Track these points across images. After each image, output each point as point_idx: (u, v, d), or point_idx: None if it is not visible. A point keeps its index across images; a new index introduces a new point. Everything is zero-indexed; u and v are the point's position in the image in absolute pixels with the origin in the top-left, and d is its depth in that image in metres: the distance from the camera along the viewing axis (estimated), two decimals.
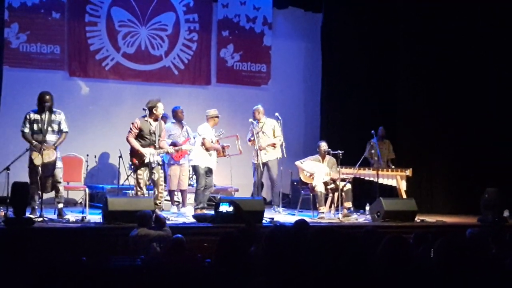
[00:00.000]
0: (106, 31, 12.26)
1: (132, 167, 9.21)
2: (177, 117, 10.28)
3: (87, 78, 12.17)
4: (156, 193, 9.12)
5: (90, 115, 11.97)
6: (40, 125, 8.67)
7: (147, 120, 9.13)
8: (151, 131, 9.10)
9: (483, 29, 12.48)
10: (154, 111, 9.14)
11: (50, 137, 8.73)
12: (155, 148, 9.09)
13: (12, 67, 11.43)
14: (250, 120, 10.63)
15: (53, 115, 8.77)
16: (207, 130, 9.95)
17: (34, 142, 8.59)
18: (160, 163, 9.29)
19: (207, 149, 9.87)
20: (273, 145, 10.68)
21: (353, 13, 12.84)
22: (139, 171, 9.03)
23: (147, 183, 9.08)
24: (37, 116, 8.71)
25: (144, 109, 9.23)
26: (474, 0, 12.50)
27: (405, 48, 12.88)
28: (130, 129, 9.11)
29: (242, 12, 13.23)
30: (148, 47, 12.56)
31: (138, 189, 9.06)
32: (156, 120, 9.19)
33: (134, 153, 9.04)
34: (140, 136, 9.08)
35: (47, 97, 8.74)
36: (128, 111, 11.91)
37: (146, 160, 8.94)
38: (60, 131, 8.84)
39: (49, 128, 8.71)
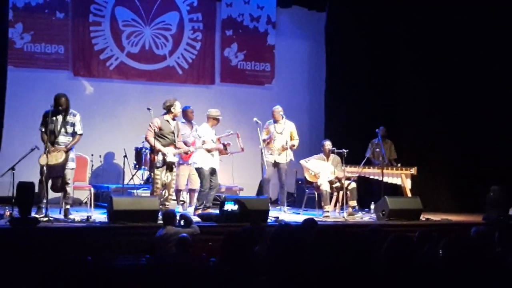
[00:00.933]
0: (110, 30, 12.27)
1: (150, 166, 9.16)
2: (187, 116, 10.28)
3: (91, 78, 12.19)
4: (166, 195, 9.11)
5: (95, 114, 11.97)
6: (53, 126, 8.65)
7: (166, 120, 9.13)
8: (170, 130, 9.10)
9: (483, 28, 12.46)
10: (173, 110, 9.14)
11: (63, 139, 8.70)
12: (175, 147, 9.09)
13: (17, 67, 11.44)
14: (255, 119, 10.61)
15: (68, 117, 8.74)
16: (206, 131, 9.86)
17: (48, 145, 8.54)
18: (175, 165, 9.27)
19: (209, 150, 9.84)
20: (292, 147, 10.67)
21: (356, 12, 12.83)
22: (157, 171, 8.99)
23: (164, 183, 9.06)
24: (52, 117, 8.67)
25: (148, 109, 9.23)
26: (474, 0, 12.48)
27: (407, 47, 12.88)
28: (149, 127, 9.07)
29: (246, 11, 13.23)
30: (152, 47, 12.57)
31: (155, 189, 9.02)
32: (173, 119, 9.19)
33: (154, 151, 9.02)
34: (160, 135, 9.06)
35: (62, 99, 8.72)
36: (132, 111, 11.94)
37: (168, 160, 8.93)
38: (74, 133, 8.82)
39: (62, 130, 8.68)
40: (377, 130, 11.08)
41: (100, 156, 11.67)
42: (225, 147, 10.03)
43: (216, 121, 9.81)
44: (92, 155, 10.88)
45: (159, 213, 8.52)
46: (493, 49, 12.51)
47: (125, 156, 9.79)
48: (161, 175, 8.99)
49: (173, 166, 9.15)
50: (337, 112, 12.81)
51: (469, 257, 3.55)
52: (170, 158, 9.00)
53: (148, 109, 9.28)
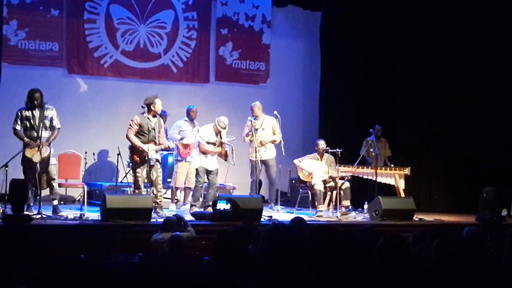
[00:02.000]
0: (105, 28, 12.26)
1: (131, 164, 9.21)
2: (190, 115, 10.34)
3: (86, 76, 12.16)
4: (155, 192, 9.10)
5: (89, 112, 11.95)
6: (32, 121, 8.66)
7: (146, 117, 9.13)
8: (151, 127, 9.09)
9: (481, 29, 12.46)
10: (152, 108, 9.13)
11: (44, 134, 8.68)
12: (155, 144, 9.09)
13: (11, 64, 11.42)
14: (249, 118, 10.63)
15: (45, 112, 8.76)
16: (204, 132, 9.95)
17: (26, 139, 8.58)
18: (160, 161, 9.28)
19: (204, 152, 9.89)
20: (274, 142, 10.72)
21: (352, 11, 12.83)
22: (137, 169, 9.00)
23: (145, 181, 9.06)
24: (28, 113, 8.69)
25: (142, 107, 9.23)
26: (472, 0, 12.49)
27: (404, 47, 12.89)
28: (130, 125, 9.08)
29: (241, 10, 13.23)
30: (147, 45, 12.56)
31: (136, 187, 9.04)
32: (154, 116, 9.19)
33: (134, 149, 9.03)
34: (140, 132, 9.07)
35: (37, 94, 8.72)
36: (126, 109, 11.90)
37: (148, 157, 8.94)
38: (52, 128, 8.81)
39: (41, 125, 8.68)
40: (371, 130, 11.08)
41: (93, 154, 11.63)
42: (226, 155, 10.04)
43: (218, 130, 9.89)
44: (86, 152, 10.85)
45: (152, 211, 8.52)
46: (492, 50, 12.49)
47: (119, 154, 9.77)
48: (142, 173, 8.99)
49: (157, 163, 9.12)
50: (331, 111, 12.82)
51: (461, 257, 3.56)
52: (150, 154, 9.01)
53: (142, 107, 9.26)
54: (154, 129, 9.10)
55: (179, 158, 10.01)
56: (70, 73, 12.03)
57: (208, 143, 9.92)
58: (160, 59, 12.65)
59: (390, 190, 11.17)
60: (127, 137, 9.10)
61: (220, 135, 10.05)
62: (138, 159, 8.98)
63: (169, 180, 10.69)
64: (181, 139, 10.14)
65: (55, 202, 8.84)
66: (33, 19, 11.73)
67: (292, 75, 13.71)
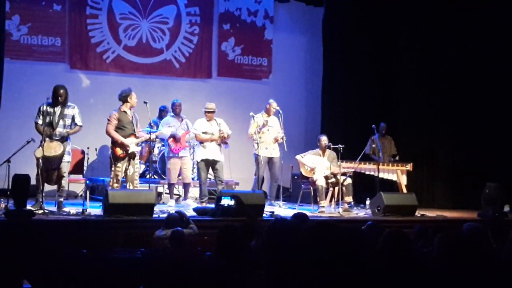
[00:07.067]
0: (107, 23, 12.25)
1: (112, 159, 9.20)
2: (174, 110, 10.33)
3: (88, 71, 12.17)
4: (131, 188, 9.12)
5: (91, 107, 11.94)
6: (51, 118, 8.64)
7: (123, 111, 9.18)
8: (129, 121, 9.15)
9: (485, 25, 12.43)
10: (129, 100, 9.20)
11: (61, 131, 8.68)
12: (135, 137, 9.14)
13: (13, 59, 11.42)
14: (251, 114, 10.62)
15: (66, 109, 8.73)
16: (198, 124, 10.06)
17: (43, 136, 8.55)
18: (138, 156, 9.32)
19: (201, 142, 9.96)
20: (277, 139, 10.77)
21: (354, 7, 12.81)
22: (118, 164, 9.04)
23: (123, 175, 9.10)
24: (49, 109, 8.67)
25: (145, 102, 9.29)
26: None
27: (407, 42, 12.85)
28: (109, 121, 9.14)
29: (244, 5, 13.22)
30: (149, 40, 12.55)
31: (115, 181, 9.05)
32: (130, 109, 9.26)
33: (116, 143, 9.07)
34: (119, 127, 9.13)
35: (61, 91, 8.72)
36: None
37: (130, 150, 8.98)
38: (74, 125, 8.79)
39: (60, 122, 8.67)
40: (373, 126, 11.04)
41: (96, 149, 11.66)
42: (222, 139, 10.07)
43: (208, 113, 9.97)
44: (88, 148, 10.87)
45: (154, 207, 8.53)
46: (495, 43, 12.43)
47: None
48: (122, 168, 9.02)
49: (135, 157, 9.16)
50: (334, 107, 12.81)
51: (463, 253, 3.56)
52: (133, 148, 9.04)
53: (145, 102, 9.29)
54: (132, 123, 9.16)
55: (170, 154, 10.02)
56: (72, 68, 12.03)
57: (205, 133, 9.99)
58: (162, 54, 12.65)
59: (392, 186, 11.16)
60: (107, 132, 9.16)
61: (217, 123, 10.09)
62: (120, 153, 9.02)
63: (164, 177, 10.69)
64: (172, 136, 10.01)
65: (61, 199, 8.83)
66: (35, 14, 11.74)
67: (295, 71, 13.70)
